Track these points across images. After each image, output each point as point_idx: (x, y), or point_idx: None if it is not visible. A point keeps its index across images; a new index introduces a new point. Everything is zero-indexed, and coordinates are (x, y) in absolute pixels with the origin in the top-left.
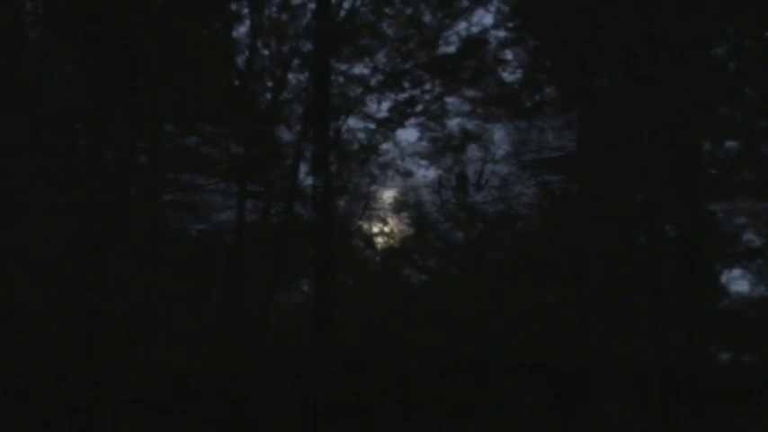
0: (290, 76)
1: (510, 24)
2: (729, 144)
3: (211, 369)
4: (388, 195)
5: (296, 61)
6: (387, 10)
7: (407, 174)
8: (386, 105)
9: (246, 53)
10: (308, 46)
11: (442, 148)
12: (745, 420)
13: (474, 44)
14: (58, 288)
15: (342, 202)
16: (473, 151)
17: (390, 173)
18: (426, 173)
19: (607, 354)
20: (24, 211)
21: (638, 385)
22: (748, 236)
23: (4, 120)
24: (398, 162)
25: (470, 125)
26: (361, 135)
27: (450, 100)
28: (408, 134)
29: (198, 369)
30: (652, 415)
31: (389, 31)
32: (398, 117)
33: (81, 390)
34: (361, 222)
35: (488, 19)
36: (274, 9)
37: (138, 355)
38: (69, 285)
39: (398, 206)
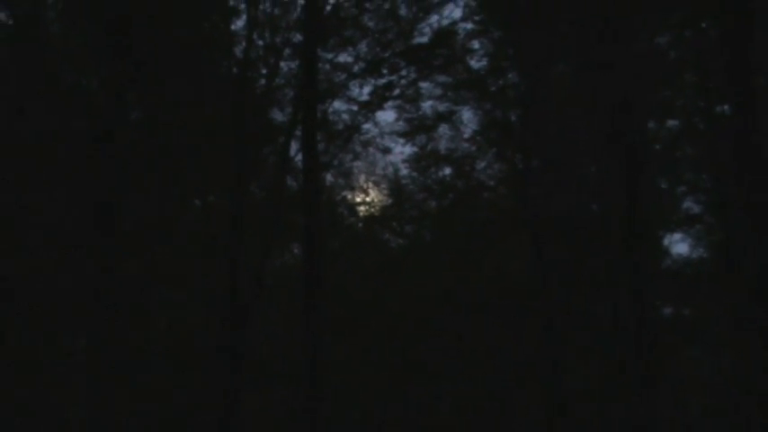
0: (283, 64)
1: (477, 17)
2: (671, 123)
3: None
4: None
5: (287, 51)
6: (367, 4)
7: (386, 150)
8: (367, 90)
9: (243, 44)
10: (298, 37)
11: (417, 127)
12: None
13: (445, 35)
14: (72, 251)
15: (328, 176)
16: (444, 130)
17: (371, 149)
18: (403, 149)
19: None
20: (45, 184)
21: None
22: (688, 204)
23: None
24: (378, 140)
25: (442, 107)
26: (345, 116)
27: (423, 85)
28: (387, 115)
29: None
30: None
31: (370, 24)
32: (378, 100)
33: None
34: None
35: (458, 12)
36: (268, 4)
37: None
38: (83, 249)
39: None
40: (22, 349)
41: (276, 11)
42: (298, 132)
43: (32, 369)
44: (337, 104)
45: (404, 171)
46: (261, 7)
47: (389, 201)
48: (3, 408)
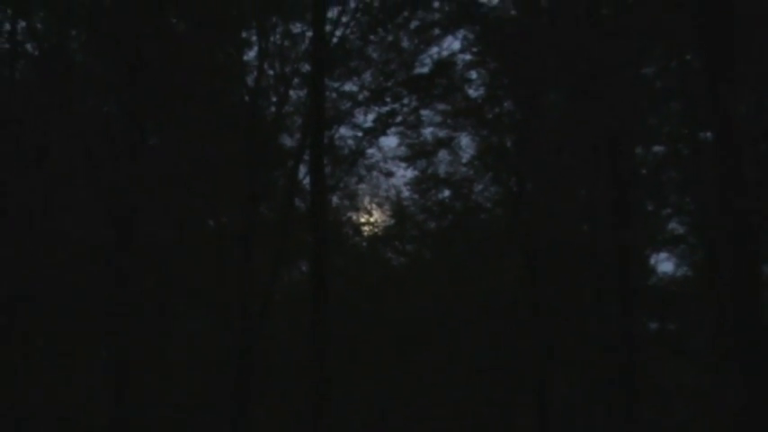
0: (292, 92)
1: (474, 49)
2: (657, 149)
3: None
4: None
5: (296, 80)
6: (372, 37)
7: (389, 174)
8: (371, 117)
9: (255, 73)
10: (306, 67)
11: (418, 152)
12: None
13: (444, 65)
14: (92, 265)
15: (334, 198)
16: (444, 155)
17: (375, 173)
18: (405, 173)
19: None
20: (67, 204)
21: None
22: (673, 224)
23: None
24: (381, 164)
25: (441, 133)
26: (350, 142)
27: (424, 112)
28: (390, 141)
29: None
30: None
31: (374, 55)
32: (381, 126)
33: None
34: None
35: (456, 44)
36: (278, 36)
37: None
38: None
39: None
40: (47, 354)
41: (286, 43)
42: (306, 157)
43: (55, 373)
44: (343, 131)
45: (405, 193)
46: (271, 39)
47: (392, 221)
48: (24, 409)
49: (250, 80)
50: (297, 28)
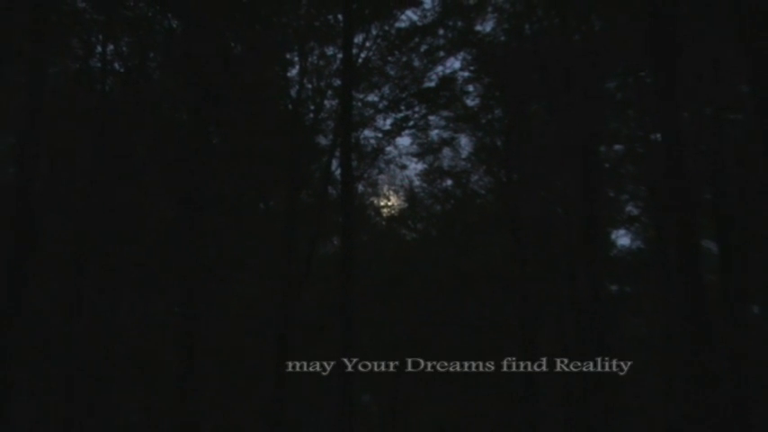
0: (326, 102)
1: (471, 68)
2: (617, 147)
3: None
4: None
5: (329, 92)
6: (390, 58)
7: (403, 167)
8: (389, 121)
9: (297, 87)
10: (337, 82)
11: (426, 149)
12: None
13: (447, 81)
14: (164, 241)
15: (360, 186)
16: (447, 152)
17: (392, 166)
18: (416, 166)
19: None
20: (145, 194)
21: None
22: (629, 207)
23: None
24: (397, 159)
25: (445, 135)
26: (372, 141)
27: (431, 118)
28: (404, 140)
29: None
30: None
31: (391, 72)
32: (397, 129)
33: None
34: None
35: (457, 64)
36: (315, 57)
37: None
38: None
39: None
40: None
41: (321, 62)
42: (337, 153)
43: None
44: (367, 132)
45: (416, 182)
46: (310, 60)
47: (405, 205)
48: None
49: (293, 92)
50: (330, 51)
